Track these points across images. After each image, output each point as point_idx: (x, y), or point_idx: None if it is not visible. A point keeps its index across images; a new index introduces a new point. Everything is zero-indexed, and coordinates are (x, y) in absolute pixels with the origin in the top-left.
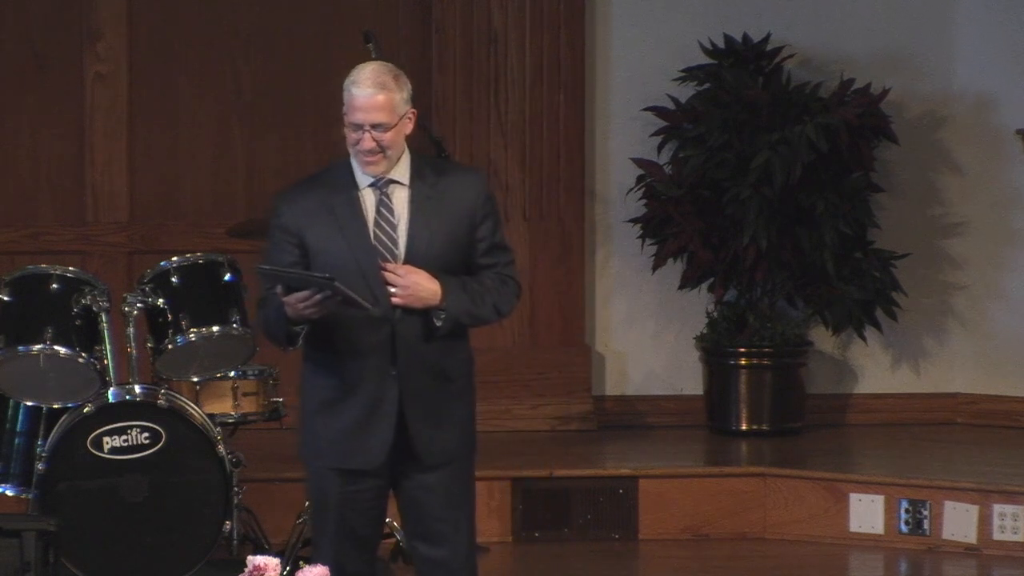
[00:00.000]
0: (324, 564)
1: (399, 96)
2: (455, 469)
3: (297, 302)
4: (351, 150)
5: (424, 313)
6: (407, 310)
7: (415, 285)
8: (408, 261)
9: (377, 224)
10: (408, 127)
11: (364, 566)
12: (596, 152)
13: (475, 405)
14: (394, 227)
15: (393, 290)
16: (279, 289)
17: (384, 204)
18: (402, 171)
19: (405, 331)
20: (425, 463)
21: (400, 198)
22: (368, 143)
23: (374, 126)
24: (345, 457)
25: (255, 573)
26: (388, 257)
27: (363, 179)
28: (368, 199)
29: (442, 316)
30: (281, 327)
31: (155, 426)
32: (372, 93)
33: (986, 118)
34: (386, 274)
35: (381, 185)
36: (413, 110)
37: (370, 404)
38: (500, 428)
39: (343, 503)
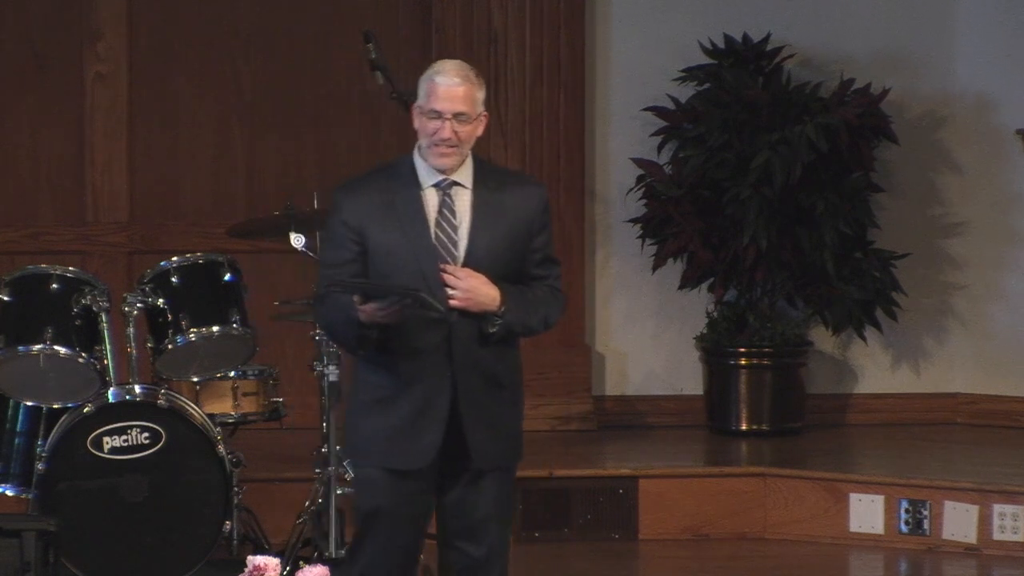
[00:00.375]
0: (362, 569)
1: (479, 93)
2: (503, 475)
3: (375, 310)
4: (424, 142)
5: (480, 316)
6: (464, 312)
7: (475, 289)
8: (467, 264)
9: (438, 224)
10: (480, 129)
11: (405, 573)
12: (596, 152)
13: (523, 414)
14: (455, 229)
15: (452, 292)
16: (356, 297)
17: (446, 205)
18: (465, 174)
19: (462, 333)
20: (476, 465)
21: (462, 201)
22: (447, 131)
23: (456, 115)
24: (394, 457)
25: (255, 573)
26: (447, 258)
27: (426, 178)
28: (430, 199)
29: (497, 322)
30: (352, 331)
31: (155, 426)
32: (458, 83)
33: (986, 118)
34: (446, 276)
35: (444, 186)
36: (486, 113)
37: (422, 404)
38: None
39: (392, 505)
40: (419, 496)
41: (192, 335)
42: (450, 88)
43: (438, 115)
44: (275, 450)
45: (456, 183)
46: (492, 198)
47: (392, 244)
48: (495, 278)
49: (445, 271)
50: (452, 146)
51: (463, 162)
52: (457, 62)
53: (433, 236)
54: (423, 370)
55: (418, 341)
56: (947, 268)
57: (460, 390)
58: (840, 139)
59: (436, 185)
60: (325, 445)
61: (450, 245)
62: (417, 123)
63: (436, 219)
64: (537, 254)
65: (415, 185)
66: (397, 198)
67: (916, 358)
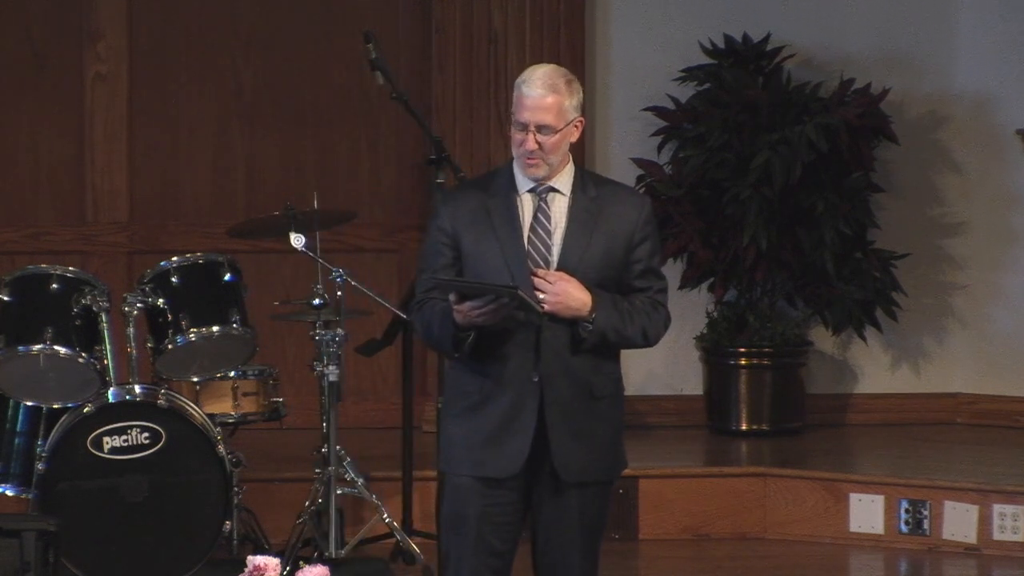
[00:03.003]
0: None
1: (569, 102)
2: (593, 492)
3: (470, 310)
4: (514, 151)
5: (572, 323)
6: (555, 318)
7: (565, 293)
8: (560, 270)
9: (532, 230)
10: (574, 135)
11: None
12: (596, 152)
13: (622, 430)
14: (549, 234)
15: (542, 296)
16: (452, 297)
17: (542, 211)
18: (564, 181)
19: (551, 338)
20: (562, 479)
21: (558, 207)
22: (531, 144)
23: (539, 128)
24: (483, 464)
25: (255, 573)
26: (541, 264)
27: (523, 184)
28: (526, 204)
29: (589, 328)
30: (447, 333)
31: (155, 426)
32: (542, 94)
33: (986, 118)
34: (536, 280)
35: (541, 192)
36: (581, 118)
37: (509, 411)
38: None
39: (481, 516)
40: (508, 507)
41: (192, 335)
42: (535, 100)
43: (523, 127)
44: (275, 450)
45: (553, 189)
46: (591, 205)
47: (485, 249)
48: (589, 285)
49: (536, 274)
50: (536, 156)
51: (561, 169)
52: (546, 70)
53: (526, 241)
54: (511, 376)
55: (505, 345)
56: (947, 268)
57: (547, 398)
58: (840, 139)
59: (532, 191)
60: (325, 445)
61: (544, 250)
62: (511, 131)
63: (531, 224)
64: (638, 265)
65: (511, 190)
66: (492, 203)
67: (916, 358)
